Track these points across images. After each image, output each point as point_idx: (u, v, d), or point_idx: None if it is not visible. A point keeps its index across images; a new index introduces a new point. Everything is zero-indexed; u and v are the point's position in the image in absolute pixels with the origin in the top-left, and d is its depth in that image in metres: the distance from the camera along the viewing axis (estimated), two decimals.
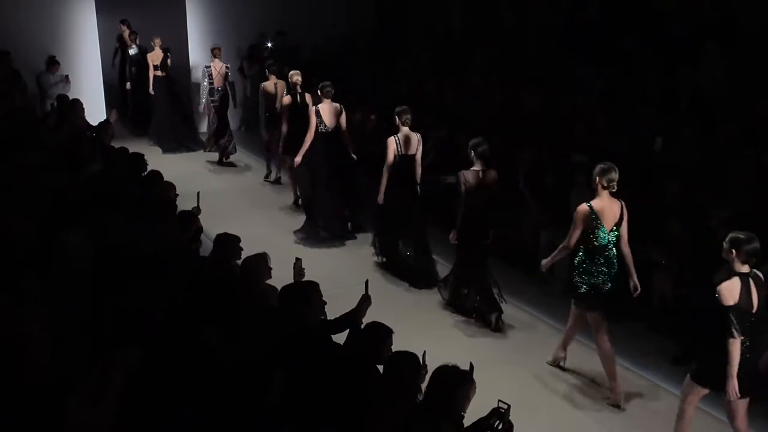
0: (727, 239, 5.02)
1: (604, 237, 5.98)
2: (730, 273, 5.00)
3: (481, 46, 12.69)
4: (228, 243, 5.77)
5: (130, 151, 8.35)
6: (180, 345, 4.18)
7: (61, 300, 4.60)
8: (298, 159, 9.31)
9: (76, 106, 10.17)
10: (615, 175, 5.95)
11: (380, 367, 4.47)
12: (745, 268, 4.98)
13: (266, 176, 11.85)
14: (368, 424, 4.10)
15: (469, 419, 4.37)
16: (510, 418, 4.14)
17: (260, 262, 5.40)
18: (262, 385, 3.86)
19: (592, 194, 6.09)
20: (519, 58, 11.89)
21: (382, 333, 4.51)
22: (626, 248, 6.08)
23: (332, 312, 5.21)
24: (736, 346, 4.90)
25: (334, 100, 9.09)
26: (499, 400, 4.15)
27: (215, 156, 12.76)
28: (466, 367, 4.28)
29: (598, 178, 6.01)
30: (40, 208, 6.16)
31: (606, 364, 6.20)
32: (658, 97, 9.73)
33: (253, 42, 14.51)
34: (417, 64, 13.20)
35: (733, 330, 4.88)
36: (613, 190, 5.98)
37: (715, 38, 9.67)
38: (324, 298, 5.00)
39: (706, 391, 5.28)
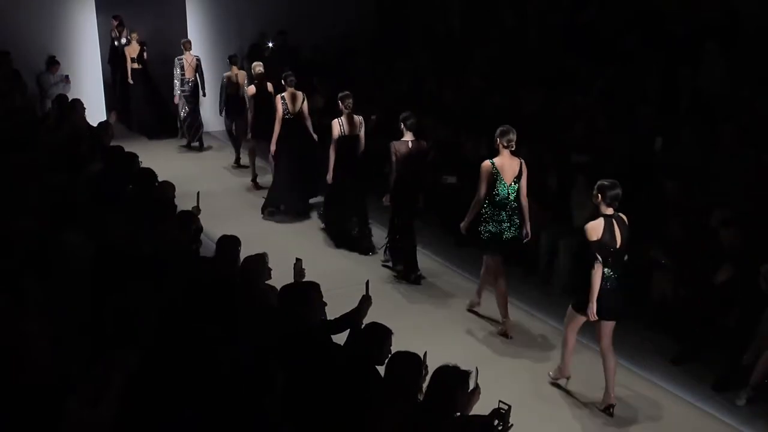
0: (595, 186, 5.82)
1: (504, 190, 6.84)
2: (596, 215, 5.82)
3: (481, 46, 12.69)
4: (228, 244, 5.77)
5: (127, 150, 8.34)
6: (180, 345, 4.18)
7: (61, 300, 4.61)
8: (273, 147, 9.94)
9: (76, 106, 10.16)
10: (513, 136, 6.86)
11: (380, 368, 4.48)
12: (609, 211, 5.78)
13: (236, 161, 12.58)
14: (368, 425, 4.10)
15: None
16: (510, 418, 4.14)
17: (260, 262, 5.40)
18: (262, 386, 3.86)
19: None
20: (519, 58, 11.88)
21: (381, 333, 4.51)
22: (524, 201, 6.96)
23: (332, 312, 5.21)
24: (597, 274, 5.71)
25: (297, 88, 9.89)
26: (500, 401, 4.15)
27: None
28: (467, 368, 4.28)
29: (498, 139, 6.87)
30: (40, 208, 6.16)
31: (500, 301, 7.22)
32: (658, 97, 9.73)
33: (253, 42, 14.51)
34: (417, 64, 13.20)
35: (595, 261, 5.68)
36: (512, 149, 6.89)
37: (715, 38, 9.66)
38: (324, 299, 5.01)
39: (584, 318, 5.98)
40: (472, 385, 4.44)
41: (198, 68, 12.84)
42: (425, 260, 8.85)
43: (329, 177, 8.94)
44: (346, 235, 9.20)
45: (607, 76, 10.31)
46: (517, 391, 6.33)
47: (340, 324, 5.15)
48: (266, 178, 11.04)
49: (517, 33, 12.81)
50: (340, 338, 5.05)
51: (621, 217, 5.86)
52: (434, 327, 7.37)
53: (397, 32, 14.68)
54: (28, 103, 11.30)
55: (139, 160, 8.01)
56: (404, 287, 8.26)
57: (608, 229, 5.73)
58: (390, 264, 8.61)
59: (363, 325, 4.85)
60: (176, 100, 13.01)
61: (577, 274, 6.91)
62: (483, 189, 6.86)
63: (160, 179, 7.49)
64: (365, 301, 5.20)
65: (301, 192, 10.21)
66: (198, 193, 7.08)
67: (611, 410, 6.03)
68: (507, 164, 6.85)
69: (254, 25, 14.49)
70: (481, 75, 11.78)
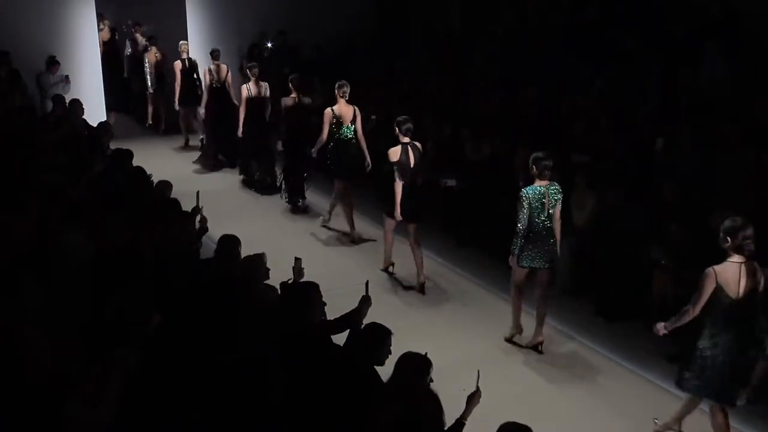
0: (531, 158, 6.75)
1: (345, 131, 9.06)
2: (396, 143, 7.73)
3: (481, 46, 12.69)
4: (228, 244, 5.77)
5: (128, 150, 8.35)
6: (180, 345, 4.18)
7: (60, 300, 4.60)
8: (201, 111, 12.28)
9: (76, 106, 10.17)
10: (347, 89, 9.02)
11: (379, 368, 4.48)
12: (406, 139, 7.73)
13: (186, 142, 13.71)
14: (368, 425, 4.10)
15: (474, 416, 4.38)
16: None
17: (258, 262, 5.40)
18: (263, 386, 3.86)
19: (592, 194, 6.20)
20: (519, 58, 11.88)
21: (381, 333, 4.51)
22: (362, 140, 9.15)
23: (332, 312, 5.21)
24: (398, 187, 7.70)
25: (221, 63, 12.15)
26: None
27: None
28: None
29: (336, 90, 9.03)
30: (40, 208, 6.15)
31: (346, 213, 9.35)
32: (658, 97, 9.73)
33: (253, 42, 14.51)
34: (417, 64, 13.19)
35: (396, 177, 7.66)
36: (346, 99, 9.01)
37: (715, 38, 9.66)
38: (324, 298, 5.00)
39: (395, 222, 7.94)
40: (473, 388, 4.45)
41: (163, 63, 13.86)
42: (425, 260, 8.85)
43: (239, 131, 10.96)
44: (251, 178, 11.51)
45: (607, 76, 10.31)
46: (517, 390, 6.34)
47: (339, 324, 5.15)
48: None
49: (517, 33, 12.81)
50: (340, 338, 5.05)
51: (416, 145, 7.80)
52: (434, 327, 7.36)
53: (397, 32, 14.68)
54: (28, 103, 11.29)
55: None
56: (404, 288, 8.26)
57: (404, 153, 7.66)
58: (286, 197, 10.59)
59: (363, 326, 4.85)
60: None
61: (576, 274, 7.57)
62: (326, 131, 9.06)
63: (159, 179, 7.50)
64: (365, 302, 5.20)
65: (229, 145, 12.20)
66: (198, 193, 7.08)
67: (423, 288, 7.96)
68: (344, 110, 9.05)
69: (254, 25, 14.49)
70: (481, 75, 11.77)
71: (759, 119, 8.49)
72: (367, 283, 5.28)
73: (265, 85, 11.05)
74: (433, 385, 4.36)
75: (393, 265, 8.47)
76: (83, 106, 10.25)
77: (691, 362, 5.35)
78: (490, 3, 13.57)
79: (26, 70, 11.86)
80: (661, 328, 5.46)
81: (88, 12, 13.20)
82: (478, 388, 4.42)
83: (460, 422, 4.31)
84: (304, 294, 4.92)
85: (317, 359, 4.51)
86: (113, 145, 9.25)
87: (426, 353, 4.43)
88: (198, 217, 6.75)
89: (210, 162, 12.37)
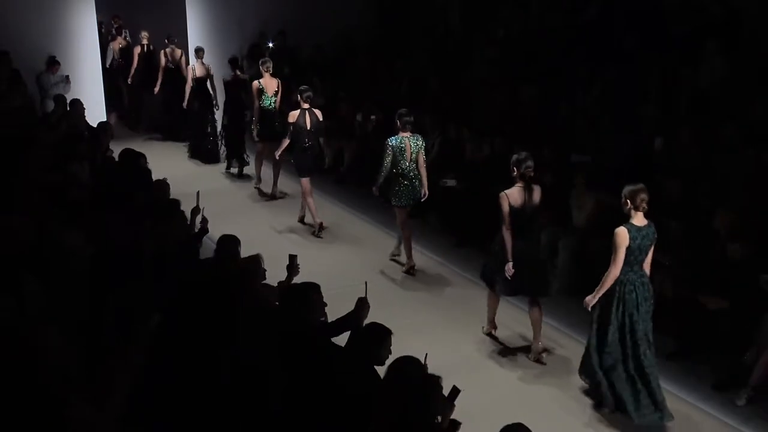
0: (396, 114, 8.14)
1: (267, 101, 10.80)
2: (295, 107, 9.57)
3: (481, 46, 12.69)
4: (228, 243, 5.77)
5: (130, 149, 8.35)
6: (179, 345, 4.18)
7: (60, 300, 4.59)
8: (156, 89, 13.64)
9: (76, 106, 10.16)
10: (270, 64, 10.87)
11: (379, 368, 4.47)
12: (306, 105, 9.45)
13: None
14: (368, 424, 4.09)
15: (473, 417, 4.38)
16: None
17: (254, 263, 5.39)
18: (263, 386, 3.86)
19: (592, 194, 6.24)
20: (519, 58, 11.88)
21: (381, 333, 4.50)
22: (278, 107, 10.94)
23: (332, 311, 5.20)
24: (284, 143, 9.61)
25: (177, 47, 13.66)
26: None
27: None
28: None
29: (261, 66, 10.83)
30: (40, 208, 6.15)
31: (275, 171, 10.93)
32: (658, 97, 9.73)
33: (253, 42, 14.51)
34: (417, 64, 13.20)
35: (288, 136, 9.55)
36: (270, 73, 10.80)
37: (715, 38, 9.66)
38: (324, 299, 4.99)
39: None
40: (457, 383, 4.35)
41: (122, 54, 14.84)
42: (425, 260, 8.86)
43: (185, 104, 12.69)
44: (199, 147, 13.04)
45: (607, 76, 10.31)
46: (517, 391, 6.34)
47: (337, 327, 5.09)
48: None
49: (518, 33, 12.81)
50: (341, 339, 5.04)
51: (313, 111, 9.45)
52: (434, 327, 7.36)
53: (397, 32, 14.68)
54: (28, 103, 11.29)
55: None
56: (404, 288, 8.26)
57: (302, 117, 9.33)
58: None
59: (363, 326, 4.83)
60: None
61: (576, 274, 7.64)
62: (256, 103, 10.85)
63: (158, 178, 7.51)
64: (362, 304, 5.11)
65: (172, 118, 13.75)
66: (198, 193, 7.08)
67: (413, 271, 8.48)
68: (268, 83, 10.79)
69: (254, 25, 14.49)
70: (481, 75, 11.77)
71: (759, 119, 8.48)
72: (366, 285, 5.22)
73: (208, 65, 12.52)
74: None
75: (261, 180, 11.31)
76: (84, 106, 10.25)
77: (496, 271, 6.77)
78: (490, 3, 13.57)
79: (26, 70, 11.86)
80: (589, 300, 5.94)
81: (88, 12, 13.20)
82: (453, 404, 4.24)
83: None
84: (304, 294, 4.91)
85: (317, 360, 4.51)
86: (113, 146, 9.26)
87: (426, 355, 4.42)
88: (198, 218, 6.75)
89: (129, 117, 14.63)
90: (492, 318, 7.19)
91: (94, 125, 9.83)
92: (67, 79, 12.36)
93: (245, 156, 12.20)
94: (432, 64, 12.97)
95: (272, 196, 11.06)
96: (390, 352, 4.46)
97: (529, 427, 3.64)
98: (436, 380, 4.13)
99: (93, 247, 5.33)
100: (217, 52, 13.74)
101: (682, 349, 6.73)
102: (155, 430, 3.88)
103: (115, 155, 8.85)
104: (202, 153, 12.97)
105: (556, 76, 10.77)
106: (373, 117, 11.27)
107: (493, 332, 7.22)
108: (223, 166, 12.55)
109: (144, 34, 14.44)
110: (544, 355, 6.79)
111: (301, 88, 9.63)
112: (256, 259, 5.42)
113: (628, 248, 5.65)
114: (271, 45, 14.38)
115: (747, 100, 8.87)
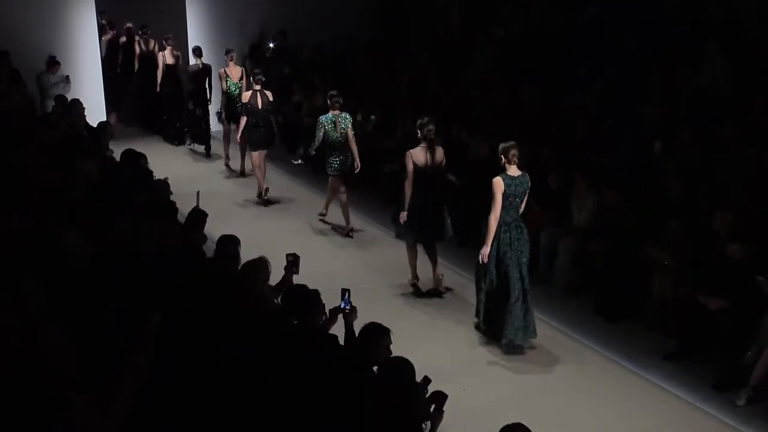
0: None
1: (232, 87, 11.88)
2: (249, 87, 10.80)
3: (481, 46, 12.69)
4: (228, 243, 5.77)
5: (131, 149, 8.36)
6: (179, 346, 4.17)
7: (60, 300, 4.59)
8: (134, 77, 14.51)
9: (77, 106, 10.16)
10: (234, 54, 12.11)
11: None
12: (258, 87, 10.56)
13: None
14: (367, 425, 4.10)
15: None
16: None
17: (259, 265, 5.40)
18: (262, 386, 3.86)
19: (592, 194, 6.24)
20: (519, 58, 11.88)
21: (378, 332, 4.51)
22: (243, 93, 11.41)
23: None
24: (243, 121, 10.61)
25: (150, 38, 14.31)
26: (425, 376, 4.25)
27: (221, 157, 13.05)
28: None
29: (226, 56, 12.04)
30: (40, 208, 6.15)
31: (241, 150, 11.69)
32: (658, 97, 9.73)
33: (253, 42, 14.52)
34: (417, 64, 13.20)
35: (242, 117, 10.51)
36: (234, 62, 12.03)
37: (715, 38, 9.65)
38: (323, 299, 5.00)
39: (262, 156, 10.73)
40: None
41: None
42: (425, 260, 8.84)
43: (158, 88, 13.47)
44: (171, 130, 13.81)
45: (607, 76, 10.31)
46: (517, 391, 6.33)
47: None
48: None
49: (517, 33, 12.81)
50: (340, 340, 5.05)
51: (264, 92, 10.48)
52: (434, 327, 7.36)
53: (397, 32, 14.68)
54: (28, 103, 11.29)
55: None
56: (403, 288, 8.26)
57: (254, 97, 10.40)
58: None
59: (362, 326, 4.84)
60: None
61: (576, 273, 7.79)
62: (223, 87, 11.99)
63: (157, 178, 7.51)
64: (349, 312, 5.20)
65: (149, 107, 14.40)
66: (198, 193, 7.08)
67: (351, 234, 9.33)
68: (233, 71, 11.94)
69: (254, 25, 14.49)
70: (481, 75, 11.77)
71: (759, 119, 8.48)
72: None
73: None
74: (432, 386, 4.36)
75: (229, 158, 12.32)
76: (84, 106, 10.25)
77: (396, 218, 7.73)
78: (490, 3, 13.57)
79: (26, 70, 11.87)
80: (484, 251, 6.78)
81: (88, 12, 13.22)
82: (442, 410, 4.29)
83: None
84: (305, 299, 4.92)
85: (316, 359, 4.51)
86: (113, 146, 9.26)
87: (425, 377, 4.41)
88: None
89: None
90: (413, 269, 7.87)
91: (94, 125, 9.84)
92: (67, 79, 12.36)
93: (210, 136, 13.17)
94: (432, 64, 12.97)
95: (241, 173, 12.03)
96: (390, 352, 4.46)
97: (531, 427, 3.64)
98: (423, 382, 4.16)
99: (93, 247, 5.33)
100: (218, 52, 13.75)
101: (682, 349, 6.73)
102: (155, 430, 3.88)
103: (116, 155, 8.87)
104: (174, 136, 13.81)
105: (556, 76, 10.76)
106: (373, 117, 11.26)
107: (416, 283, 7.88)
108: (221, 163, 12.58)
109: (128, 26, 14.90)
110: (441, 276, 7.83)
111: (255, 70, 11.19)
112: (259, 262, 5.42)
113: (504, 194, 6.61)
114: (271, 45, 14.38)
115: (747, 100, 8.87)
